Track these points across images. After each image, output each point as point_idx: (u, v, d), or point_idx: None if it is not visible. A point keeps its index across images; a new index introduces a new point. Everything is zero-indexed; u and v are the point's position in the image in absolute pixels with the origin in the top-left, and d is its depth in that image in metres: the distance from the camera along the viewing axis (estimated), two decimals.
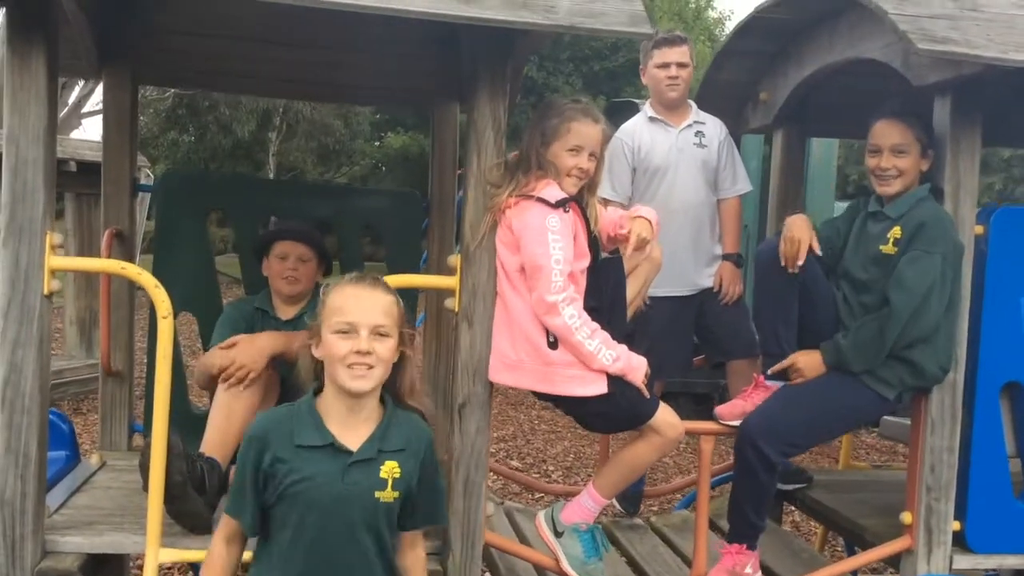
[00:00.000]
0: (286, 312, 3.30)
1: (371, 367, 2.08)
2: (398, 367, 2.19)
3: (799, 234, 2.94)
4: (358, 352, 2.07)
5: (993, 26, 2.69)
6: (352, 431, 2.12)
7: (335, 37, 3.46)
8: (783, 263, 2.96)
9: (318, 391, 2.18)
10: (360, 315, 2.10)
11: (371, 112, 20.54)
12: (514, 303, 2.70)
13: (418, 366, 2.28)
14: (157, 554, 2.52)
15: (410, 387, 2.24)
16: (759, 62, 3.84)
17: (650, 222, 2.86)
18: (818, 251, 2.97)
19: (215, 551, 2.17)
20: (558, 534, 2.83)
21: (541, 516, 2.90)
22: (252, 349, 2.92)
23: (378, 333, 2.10)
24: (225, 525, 2.17)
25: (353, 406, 2.12)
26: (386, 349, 2.11)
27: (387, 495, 2.11)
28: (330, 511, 2.07)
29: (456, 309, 2.78)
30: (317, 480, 2.07)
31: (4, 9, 2.50)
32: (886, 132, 2.95)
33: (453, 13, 2.38)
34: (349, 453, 2.09)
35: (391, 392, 2.21)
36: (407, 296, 3.87)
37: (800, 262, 2.93)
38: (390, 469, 2.12)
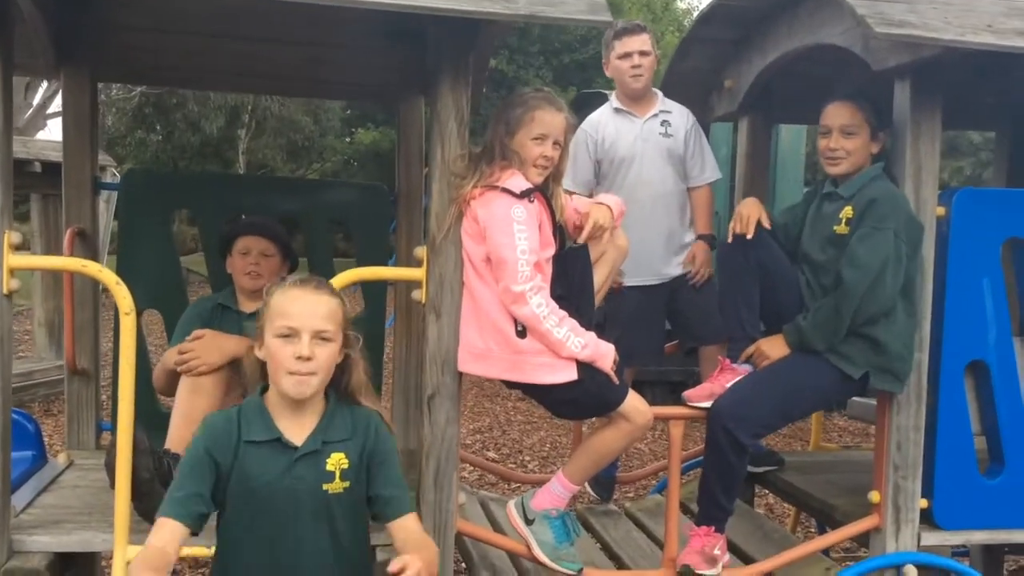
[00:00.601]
0: (249, 306, 3.27)
1: (312, 373, 2.07)
2: (343, 367, 2.18)
3: (747, 210, 3.01)
4: (299, 358, 2.05)
5: (951, 9, 2.72)
6: (298, 424, 2.12)
7: (300, 32, 3.44)
8: (729, 238, 3.01)
9: (265, 389, 2.17)
10: (302, 320, 2.08)
11: (341, 108, 20.42)
12: (481, 293, 2.70)
13: (363, 365, 2.24)
14: (125, 551, 2.50)
15: (357, 387, 2.21)
16: (722, 50, 3.85)
17: (610, 208, 2.86)
18: (767, 225, 3.01)
19: (151, 548, 2.03)
20: (529, 521, 2.84)
21: (512, 504, 2.91)
22: (213, 344, 2.91)
23: (320, 338, 2.08)
24: (160, 528, 2.05)
25: (297, 403, 2.12)
26: (327, 354, 2.10)
27: (335, 486, 2.11)
28: (278, 506, 2.08)
29: (423, 300, 2.78)
30: (264, 476, 2.07)
31: None
32: (836, 113, 2.99)
33: (414, 3, 2.38)
34: (295, 448, 2.09)
35: (336, 390, 2.20)
36: (377, 293, 3.90)
37: (749, 234, 2.96)
38: (337, 460, 2.12)
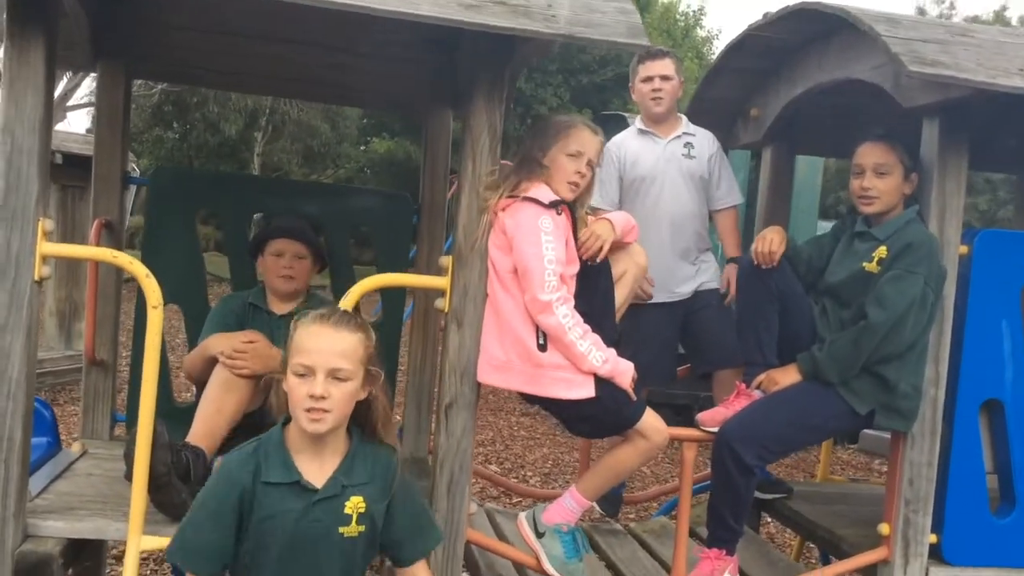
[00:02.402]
0: (280, 308, 3.31)
1: (326, 411, 2.06)
2: (365, 405, 2.18)
3: (772, 235, 3.05)
4: (312, 396, 2.05)
5: (983, 51, 2.75)
6: (318, 465, 2.13)
7: (333, 37, 3.49)
8: (756, 262, 3.03)
9: (288, 420, 2.17)
10: (317, 358, 2.07)
11: (358, 116, 20.53)
12: (505, 304, 2.72)
13: (388, 402, 2.27)
14: (139, 541, 2.52)
15: (381, 423, 2.22)
16: (750, 79, 3.89)
17: (611, 223, 2.88)
18: (785, 251, 3.05)
19: None
20: (539, 534, 2.85)
21: (523, 516, 2.92)
22: (263, 353, 2.94)
23: (335, 377, 2.08)
24: None
25: (317, 441, 2.13)
26: (343, 393, 2.08)
27: (351, 530, 2.13)
28: (295, 548, 2.09)
29: (446, 309, 2.80)
30: (281, 518, 2.08)
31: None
32: (869, 153, 3.02)
33: (457, 18, 2.41)
34: (314, 491, 2.10)
35: (359, 427, 2.21)
36: (395, 301, 3.92)
37: (775, 260, 3.00)
38: (355, 504, 2.13)
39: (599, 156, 2.88)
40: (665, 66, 3.73)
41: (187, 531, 2.13)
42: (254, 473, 2.10)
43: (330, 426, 2.09)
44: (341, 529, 2.11)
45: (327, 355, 2.08)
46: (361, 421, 2.20)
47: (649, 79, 3.73)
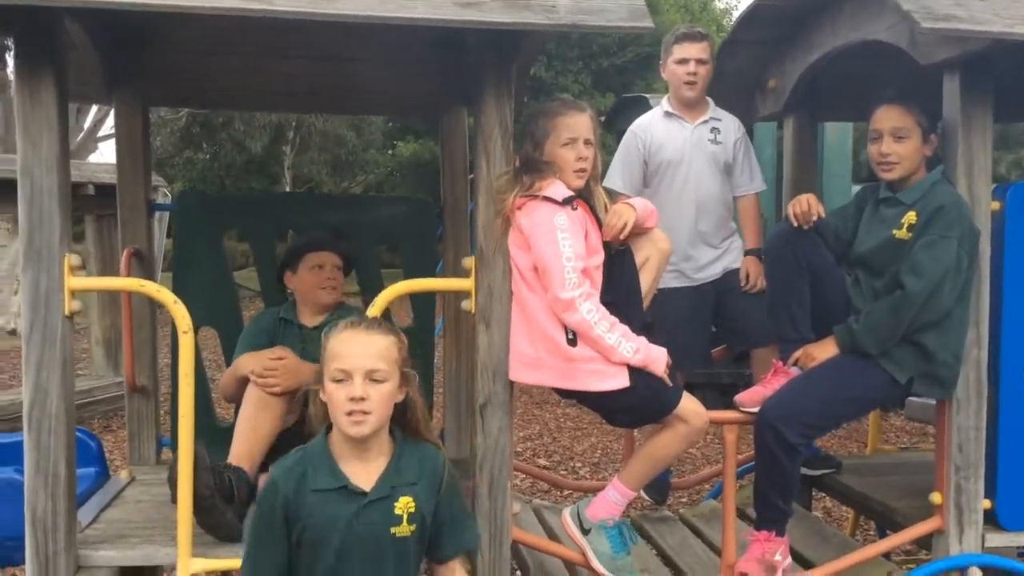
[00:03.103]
0: (311, 320, 3.34)
1: (367, 413, 2.09)
2: (404, 406, 2.20)
3: (807, 197, 2.98)
4: (352, 399, 2.08)
5: (998, 1, 2.67)
6: (364, 469, 2.15)
7: (342, 49, 3.49)
8: (794, 222, 2.96)
9: (329, 429, 2.20)
10: (354, 361, 2.10)
11: (383, 121, 20.61)
12: (531, 302, 2.70)
13: (423, 403, 2.31)
14: (189, 564, 2.55)
15: (422, 423, 2.25)
16: (765, 50, 3.82)
17: (633, 207, 2.84)
18: (822, 213, 2.98)
19: None
20: (585, 531, 2.83)
21: (567, 513, 2.91)
22: (293, 369, 2.96)
23: (372, 379, 2.11)
24: None
25: (360, 445, 2.15)
26: (381, 394, 2.12)
27: (403, 530, 2.15)
28: (349, 553, 2.11)
29: (473, 311, 2.79)
30: (333, 524, 2.10)
31: (11, 40, 2.53)
32: (886, 117, 2.96)
33: (453, 18, 2.40)
34: (364, 494, 2.12)
35: (401, 428, 2.23)
36: (427, 301, 3.93)
37: (813, 217, 2.94)
38: (405, 504, 2.15)
39: (593, 131, 2.82)
40: (703, 49, 3.69)
41: (246, 561, 2.19)
42: (299, 482, 2.13)
43: (372, 428, 2.11)
44: (393, 530, 2.14)
45: (362, 358, 2.11)
46: (402, 422, 2.22)
47: (685, 61, 3.69)
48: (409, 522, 2.15)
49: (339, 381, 2.10)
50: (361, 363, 2.10)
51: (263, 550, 2.15)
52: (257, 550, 2.16)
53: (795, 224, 2.98)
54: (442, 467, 2.25)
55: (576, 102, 2.85)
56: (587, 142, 2.77)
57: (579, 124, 2.78)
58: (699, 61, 3.67)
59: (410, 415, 2.22)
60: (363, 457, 2.15)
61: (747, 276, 3.64)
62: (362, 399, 2.08)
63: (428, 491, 2.20)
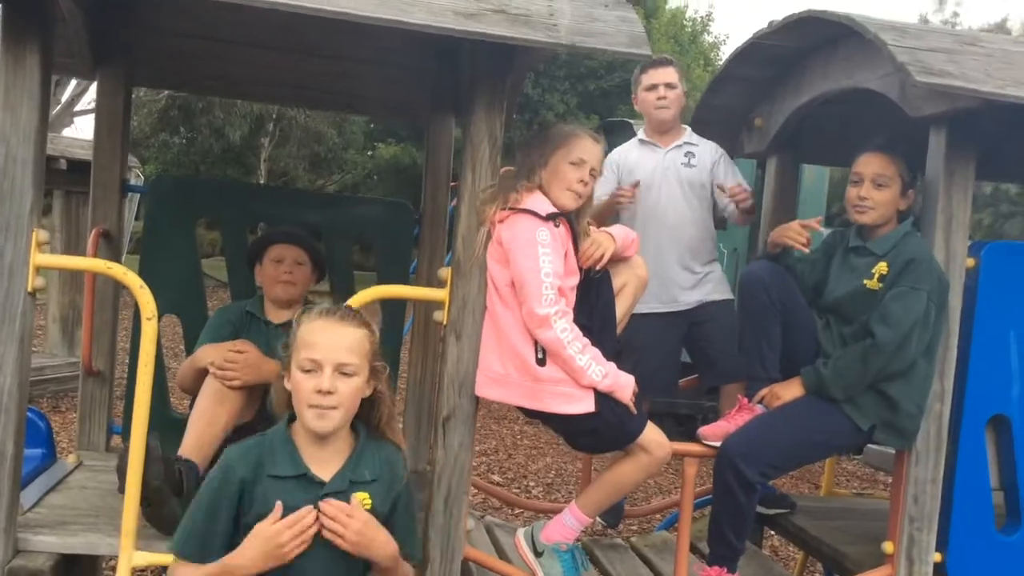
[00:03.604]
0: (278, 316, 3.27)
1: (332, 408, 2.05)
2: (372, 401, 2.16)
3: (796, 224, 3.05)
4: (319, 392, 2.04)
5: (991, 61, 2.71)
6: (324, 462, 2.11)
7: (334, 46, 3.46)
8: (773, 247, 3.05)
9: (292, 419, 2.15)
10: (324, 352, 2.06)
11: (364, 122, 20.54)
12: (503, 318, 2.68)
13: (392, 398, 2.27)
14: (131, 556, 2.48)
15: (386, 420, 2.21)
16: (755, 88, 3.85)
17: (612, 237, 2.83)
18: (819, 226, 3.07)
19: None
20: (538, 553, 2.80)
21: (520, 534, 2.88)
22: (254, 363, 2.90)
23: (342, 372, 2.07)
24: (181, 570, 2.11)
25: (323, 437, 2.10)
26: (350, 388, 2.08)
27: None
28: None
29: (445, 322, 2.76)
30: (288, 512, 2.05)
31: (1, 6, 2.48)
32: (870, 162, 3.00)
33: (455, 28, 2.38)
34: (321, 484, 2.08)
35: (365, 424, 2.19)
36: (396, 304, 3.90)
37: (802, 239, 3.01)
38: (361, 500, 2.10)
39: (601, 166, 2.85)
40: (669, 74, 3.70)
41: (185, 522, 2.13)
42: (256, 466, 2.08)
43: (336, 424, 2.07)
44: None
45: (334, 350, 2.07)
46: (366, 417, 2.18)
47: (653, 87, 3.70)
48: None
49: (308, 371, 2.06)
50: (332, 355, 2.06)
51: (204, 512, 2.09)
52: (199, 509, 2.10)
53: (772, 246, 3.03)
54: (402, 469, 2.22)
55: (596, 134, 2.85)
56: (592, 171, 2.77)
57: (594, 152, 2.78)
58: (667, 85, 3.69)
59: (377, 411, 2.19)
60: (324, 449, 2.11)
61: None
62: (329, 392, 2.04)
63: (385, 491, 2.16)
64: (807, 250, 3.05)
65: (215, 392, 2.89)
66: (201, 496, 2.12)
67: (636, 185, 3.60)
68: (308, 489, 2.07)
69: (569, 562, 2.78)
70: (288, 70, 3.73)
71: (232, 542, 2.09)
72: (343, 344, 2.09)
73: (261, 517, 2.05)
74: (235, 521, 2.09)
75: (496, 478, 6.78)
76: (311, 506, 2.06)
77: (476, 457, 7.19)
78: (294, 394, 2.09)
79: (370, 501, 2.11)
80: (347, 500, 2.08)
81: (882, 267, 2.91)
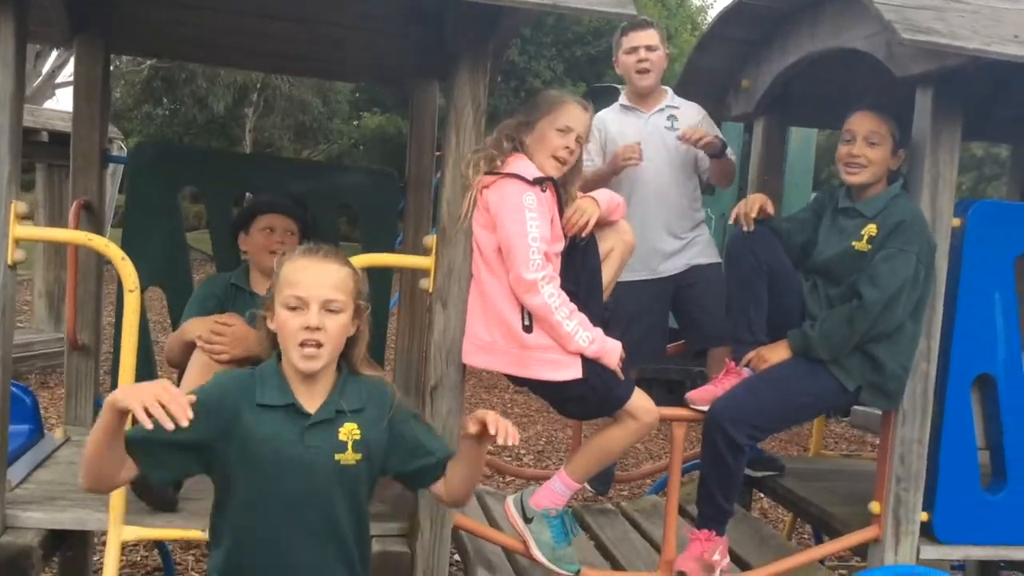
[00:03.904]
0: (263, 288, 3.23)
1: (320, 345, 2.02)
2: (352, 340, 2.13)
3: (753, 198, 3.02)
4: (307, 328, 2.01)
5: (978, 18, 2.69)
6: (311, 396, 2.07)
7: (316, 11, 3.40)
8: (731, 220, 3.01)
9: (280, 357, 2.11)
10: (310, 289, 2.03)
11: (350, 91, 20.36)
12: (490, 285, 2.66)
13: (367, 337, 2.21)
14: (120, 531, 2.48)
15: (359, 359, 2.17)
16: (742, 49, 3.82)
17: (596, 200, 2.81)
18: (771, 211, 3.04)
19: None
20: (527, 519, 2.81)
21: (510, 501, 2.88)
22: (242, 336, 2.86)
23: (328, 309, 2.04)
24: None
25: (308, 375, 2.07)
26: (337, 325, 2.05)
27: (348, 457, 2.05)
28: (291, 473, 2.01)
29: (431, 290, 2.75)
30: (277, 441, 2.01)
31: None
32: (862, 121, 2.97)
33: None
34: (308, 415, 2.05)
35: (347, 362, 2.16)
36: (382, 275, 3.88)
37: (752, 215, 2.98)
38: (349, 431, 2.06)
39: (588, 134, 2.82)
40: (650, 36, 3.64)
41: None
42: (246, 391, 2.04)
43: (324, 362, 2.04)
44: (337, 456, 2.04)
45: (319, 287, 2.04)
46: (347, 355, 2.14)
47: (634, 50, 3.64)
48: (355, 450, 2.06)
49: (293, 308, 2.03)
50: (318, 292, 2.03)
51: (188, 430, 1.87)
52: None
53: (739, 225, 3.01)
54: (391, 396, 2.17)
55: (583, 100, 2.82)
56: (579, 139, 2.75)
57: (581, 120, 2.76)
58: (648, 48, 3.63)
59: (357, 348, 2.15)
60: (311, 386, 2.08)
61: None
62: (317, 328, 2.01)
63: (375, 419, 2.11)
64: (747, 227, 3.01)
65: (203, 365, 2.86)
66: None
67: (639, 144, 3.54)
68: (295, 420, 2.04)
69: (559, 527, 2.79)
70: (270, 37, 3.67)
71: (232, 476, 2.02)
72: (328, 281, 2.06)
73: (257, 444, 2.00)
74: (215, 453, 2.00)
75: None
76: None
77: None
78: (280, 333, 2.06)
79: (359, 432, 2.07)
80: (334, 431, 2.05)
81: (871, 229, 2.90)
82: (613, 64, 3.81)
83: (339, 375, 2.13)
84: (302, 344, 2.01)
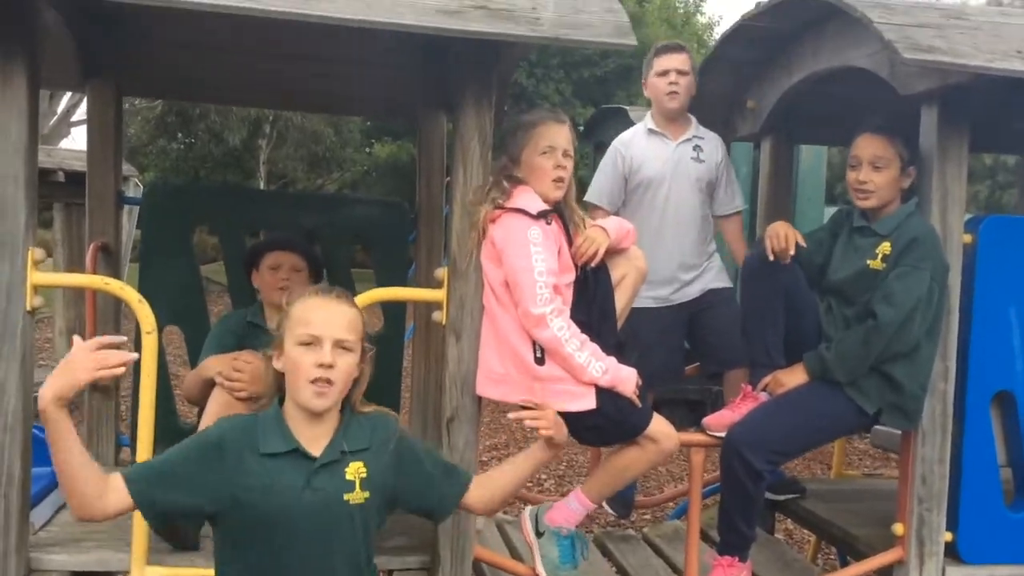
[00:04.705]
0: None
1: (331, 383, 2.04)
2: (355, 381, 2.15)
3: (784, 230, 2.98)
4: (320, 365, 2.03)
5: (979, 34, 2.69)
6: (315, 439, 2.09)
7: (322, 48, 3.45)
8: (771, 256, 2.97)
9: (282, 400, 2.14)
10: (324, 328, 2.06)
11: (362, 120, 20.50)
12: (501, 318, 2.67)
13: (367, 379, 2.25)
14: (144, 571, 2.49)
15: (358, 398, 2.19)
16: (746, 70, 3.83)
17: (606, 232, 2.81)
18: (803, 244, 3.01)
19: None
20: (539, 533, 2.80)
21: (527, 512, 2.87)
22: (260, 371, 2.85)
23: (341, 347, 2.07)
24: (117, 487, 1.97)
25: (314, 415, 2.09)
26: (348, 364, 2.08)
27: (356, 496, 2.07)
28: (300, 519, 2.03)
29: (443, 322, 2.76)
30: (282, 488, 2.02)
31: None
32: (866, 145, 2.96)
33: (437, 26, 2.38)
34: (313, 459, 2.06)
35: (348, 402, 2.17)
36: (397, 306, 3.90)
37: (791, 252, 2.95)
38: (355, 470, 2.08)
39: (572, 144, 2.80)
40: (682, 60, 3.67)
41: (158, 459, 2.03)
42: (246, 440, 2.05)
43: (333, 400, 2.07)
44: (346, 496, 2.06)
45: (333, 326, 2.07)
46: (349, 395, 2.16)
47: (665, 73, 3.66)
48: (362, 488, 2.08)
49: (307, 344, 2.05)
50: (331, 331, 2.06)
51: (178, 466, 1.99)
52: (175, 459, 2.00)
53: (771, 258, 2.98)
54: (394, 428, 2.19)
55: (556, 112, 2.84)
56: (565, 153, 2.75)
57: (558, 134, 2.76)
58: (679, 72, 3.65)
59: (358, 388, 2.17)
60: (314, 427, 2.09)
61: None
62: (330, 366, 2.03)
63: (381, 455, 2.13)
64: (786, 261, 2.99)
65: (224, 403, 2.89)
66: (187, 443, 2.06)
67: None
68: (300, 464, 2.05)
69: (568, 548, 2.77)
70: (278, 75, 3.73)
71: (239, 527, 2.03)
72: (342, 321, 2.09)
73: (257, 496, 2.00)
74: (220, 501, 2.01)
75: None
76: None
77: (486, 452, 7.19)
78: (290, 371, 2.07)
79: (366, 470, 2.09)
80: (341, 472, 2.06)
81: (885, 247, 2.89)
82: (642, 85, 3.84)
83: (342, 415, 2.15)
84: (314, 381, 2.03)
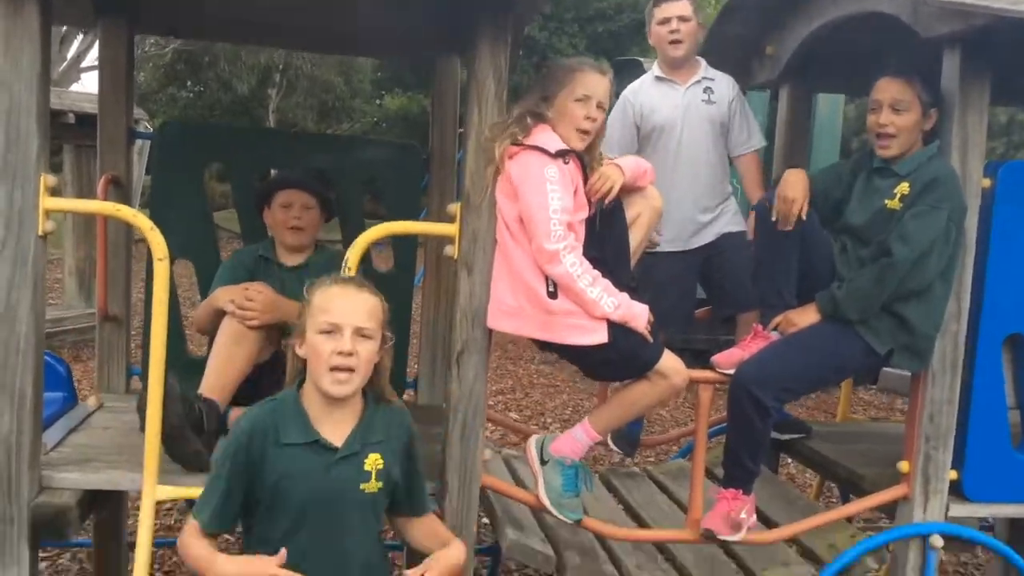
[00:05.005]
0: (290, 260, 3.29)
1: (352, 370, 2.08)
2: (377, 368, 2.20)
3: (793, 194, 2.94)
4: (341, 352, 2.06)
5: None
6: (335, 426, 2.14)
7: None
8: (775, 221, 2.96)
9: (301, 384, 2.18)
10: (345, 316, 2.10)
11: (372, 71, 20.35)
12: (514, 253, 2.67)
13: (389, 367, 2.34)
14: (154, 491, 2.53)
15: (385, 387, 2.26)
16: (765, 16, 3.77)
17: (621, 169, 2.80)
18: (806, 209, 2.96)
19: (192, 544, 2.14)
20: (543, 462, 2.83)
21: (533, 440, 2.89)
22: (272, 302, 2.91)
23: (362, 335, 2.10)
24: (197, 536, 2.15)
25: (336, 403, 2.14)
26: (368, 351, 2.12)
27: (371, 486, 2.16)
28: (317, 507, 2.10)
29: (455, 256, 2.77)
30: (303, 477, 2.10)
31: None
32: (886, 88, 2.92)
33: None
34: (334, 450, 2.12)
35: (372, 390, 2.23)
36: (407, 247, 3.90)
37: (792, 221, 2.93)
38: (373, 461, 2.16)
39: (608, 97, 2.80)
40: (682, 7, 3.63)
41: (206, 490, 2.18)
42: (268, 433, 2.12)
43: (354, 387, 2.11)
44: (363, 486, 2.15)
45: (353, 314, 2.11)
46: (372, 382, 2.22)
47: (666, 20, 3.63)
48: (377, 479, 2.16)
49: (327, 332, 2.09)
50: (352, 319, 2.10)
51: (219, 483, 2.14)
52: (222, 493, 2.14)
53: (776, 222, 2.95)
54: (409, 427, 2.28)
55: (600, 64, 2.80)
56: (600, 105, 2.73)
57: (598, 85, 2.73)
58: (680, 18, 3.61)
59: (382, 376, 2.23)
60: (335, 415, 2.15)
61: (754, 233, 3.59)
62: (350, 354, 2.07)
63: (395, 449, 2.21)
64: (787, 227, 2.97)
65: (234, 332, 2.91)
66: (219, 466, 2.16)
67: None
68: (321, 455, 2.11)
69: (571, 477, 2.80)
70: (293, 11, 3.68)
71: (261, 513, 2.14)
72: (362, 309, 2.13)
73: (280, 481, 2.09)
74: (249, 486, 2.13)
75: (515, 416, 6.85)
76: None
77: (493, 396, 7.26)
78: (313, 358, 2.12)
79: (382, 462, 2.17)
80: (360, 462, 2.14)
81: (904, 187, 2.86)
82: (647, 35, 3.80)
83: (365, 405, 2.19)
84: (334, 368, 2.07)
